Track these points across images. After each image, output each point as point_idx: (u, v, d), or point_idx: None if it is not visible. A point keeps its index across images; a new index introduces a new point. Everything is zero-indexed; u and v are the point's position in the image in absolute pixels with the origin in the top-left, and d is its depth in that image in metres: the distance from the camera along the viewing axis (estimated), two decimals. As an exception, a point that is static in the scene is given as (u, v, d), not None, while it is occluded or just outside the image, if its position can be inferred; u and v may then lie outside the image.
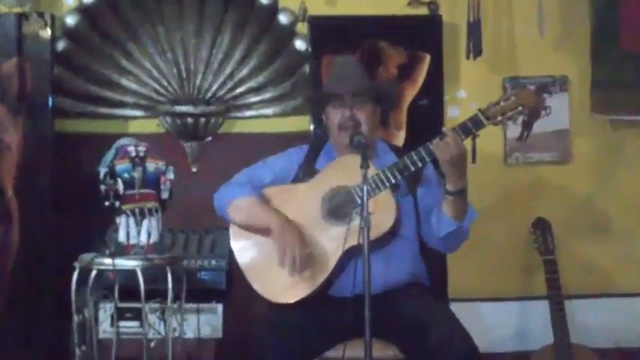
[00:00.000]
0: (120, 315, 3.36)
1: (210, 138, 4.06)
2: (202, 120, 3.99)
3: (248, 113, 4.09)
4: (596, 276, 4.03)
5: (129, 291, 3.20)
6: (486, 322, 3.94)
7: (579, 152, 4.06)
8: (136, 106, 4.07)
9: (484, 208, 3.86)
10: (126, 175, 3.03)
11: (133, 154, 3.05)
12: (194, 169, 4.06)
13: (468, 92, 4.00)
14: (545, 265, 3.80)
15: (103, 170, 3.04)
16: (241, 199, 2.80)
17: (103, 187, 2.98)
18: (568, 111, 4.03)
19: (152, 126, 4.04)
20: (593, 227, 4.06)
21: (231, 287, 3.59)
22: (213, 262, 3.62)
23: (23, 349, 3.61)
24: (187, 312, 3.48)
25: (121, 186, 3.02)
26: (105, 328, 3.44)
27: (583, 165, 4.06)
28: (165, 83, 4.05)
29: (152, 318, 3.27)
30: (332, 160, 2.83)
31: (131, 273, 2.98)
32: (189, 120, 3.98)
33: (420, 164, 2.60)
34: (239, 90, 4.07)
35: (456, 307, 3.70)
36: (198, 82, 4.04)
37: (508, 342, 3.96)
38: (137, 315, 3.32)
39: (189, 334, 3.49)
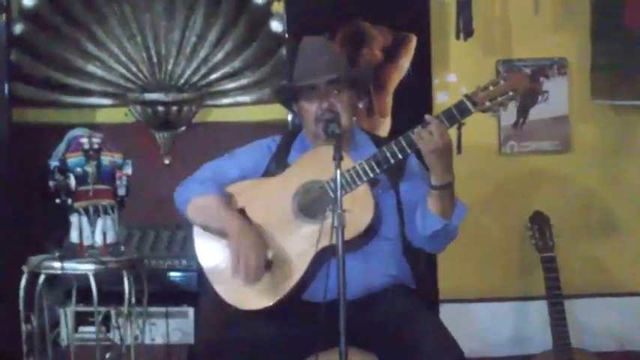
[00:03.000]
0: (82, 320, 3.16)
1: (183, 128, 3.88)
2: (174, 108, 3.80)
3: (224, 101, 3.90)
4: (599, 274, 3.90)
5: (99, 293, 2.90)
6: (481, 324, 3.82)
7: (580, 141, 3.90)
8: (102, 94, 3.87)
9: (477, 202, 3.76)
10: (78, 170, 2.81)
11: (87, 146, 2.83)
12: (166, 161, 3.88)
13: (458, 76, 3.84)
14: (543, 263, 3.61)
15: (53, 164, 2.81)
16: (200, 198, 2.60)
17: (51, 183, 2.74)
18: (567, 96, 3.88)
19: (121, 115, 3.86)
20: (595, 221, 3.93)
21: (205, 289, 3.31)
22: (184, 262, 3.42)
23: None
24: (155, 316, 3.30)
25: (72, 182, 2.78)
26: (66, 335, 3.22)
27: (584, 154, 3.90)
28: (135, 69, 3.84)
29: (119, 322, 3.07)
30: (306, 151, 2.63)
31: (100, 274, 2.79)
32: (161, 109, 3.79)
33: (400, 156, 2.41)
34: (214, 76, 3.87)
35: (447, 309, 3.67)
36: (170, 67, 3.84)
37: (504, 346, 3.85)
38: (102, 320, 3.11)
39: (158, 339, 3.31)
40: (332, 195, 2.39)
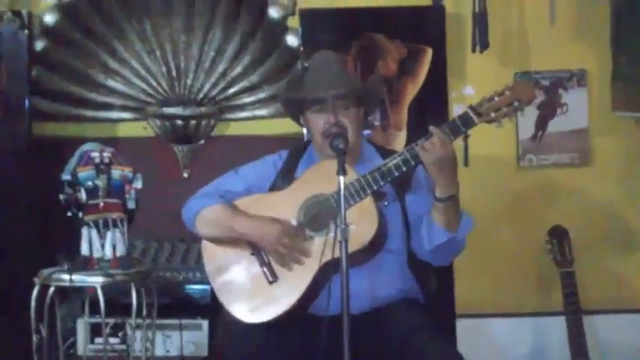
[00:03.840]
0: (98, 331, 3.16)
1: (202, 141, 3.89)
2: (193, 122, 3.83)
3: (242, 114, 3.91)
4: (620, 289, 3.80)
5: (114, 304, 2.99)
6: (498, 340, 3.75)
7: (600, 153, 3.82)
8: (123, 108, 3.90)
9: (495, 216, 3.74)
10: (89, 184, 2.84)
11: (98, 160, 2.87)
12: (185, 175, 3.90)
13: (475, 89, 3.77)
14: (562, 278, 3.55)
15: (64, 178, 2.85)
16: (206, 210, 2.63)
17: (62, 197, 2.77)
18: (587, 108, 3.79)
19: (140, 129, 3.89)
20: (615, 236, 3.83)
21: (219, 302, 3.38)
22: (199, 275, 3.43)
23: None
24: (170, 328, 3.33)
25: (83, 195, 2.81)
26: (84, 345, 3.27)
27: (604, 167, 3.82)
28: (154, 83, 3.88)
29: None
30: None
31: (113, 286, 2.83)
32: (179, 122, 3.82)
33: (404, 168, 2.40)
34: (232, 90, 3.89)
35: (464, 324, 3.62)
36: (189, 81, 3.87)
37: (523, 362, 3.77)
38: (118, 331, 3.20)
39: (173, 351, 3.32)
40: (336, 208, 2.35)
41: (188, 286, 3.43)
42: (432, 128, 2.34)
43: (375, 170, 2.41)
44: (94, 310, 3.04)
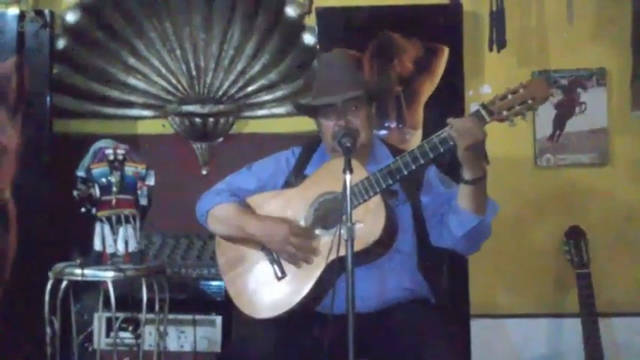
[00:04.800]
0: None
1: (221, 139, 3.92)
2: (211, 120, 3.86)
3: (260, 112, 3.93)
4: (638, 292, 3.71)
5: (128, 299, 3.02)
6: (514, 341, 3.70)
7: (618, 153, 3.75)
8: (143, 105, 3.94)
9: (512, 216, 3.69)
10: (103, 180, 2.87)
11: (112, 157, 2.89)
12: (204, 172, 3.93)
13: (493, 88, 3.72)
14: (578, 279, 3.50)
15: (79, 174, 2.88)
16: (217, 208, 2.67)
17: (75, 193, 2.81)
18: (606, 107, 3.73)
19: (160, 127, 3.93)
20: (634, 237, 3.74)
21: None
22: (213, 271, 3.45)
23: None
24: (185, 324, 3.36)
25: (96, 191, 2.85)
26: (99, 339, 3.30)
27: (623, 167, 3.75)
28: (174, 81, 3.91)
29: (149, 329, 3.12)
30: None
31: (128, 281, 2.86)
32: (198, 120, 3.85)
33: (413, 166, 2.39)
34: (251, 88, 3.91)
35: (479, 325, 3.60)
36: (208, 79, 3.89)
37: (537, 363, 3.73)
38: (133, 326, 3.21)
39: (187, 347, 3.35)
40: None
41: (203, 282, 3.45)
42: (451, 120, 2.33)
43: (385, 168, 2.41)
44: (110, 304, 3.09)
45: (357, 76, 2.66)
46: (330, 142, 2.56)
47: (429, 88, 3.59)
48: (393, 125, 3.59)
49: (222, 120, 3.86)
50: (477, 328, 3.54)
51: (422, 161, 2.37)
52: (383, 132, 3.58)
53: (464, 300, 3.50)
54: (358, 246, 2.26)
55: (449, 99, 3.58)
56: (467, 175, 2.35)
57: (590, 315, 3.42)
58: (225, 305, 3.39)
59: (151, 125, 3.94)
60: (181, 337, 3.38)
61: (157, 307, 2.93)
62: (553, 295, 3.74)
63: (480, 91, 3.75)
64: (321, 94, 2.59)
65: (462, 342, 3.43)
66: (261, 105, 3.91)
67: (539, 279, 3.75)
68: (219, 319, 3.39)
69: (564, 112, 3.69)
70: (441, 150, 2.35)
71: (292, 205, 2.57)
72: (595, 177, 3.75)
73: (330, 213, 2.49)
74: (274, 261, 2.55)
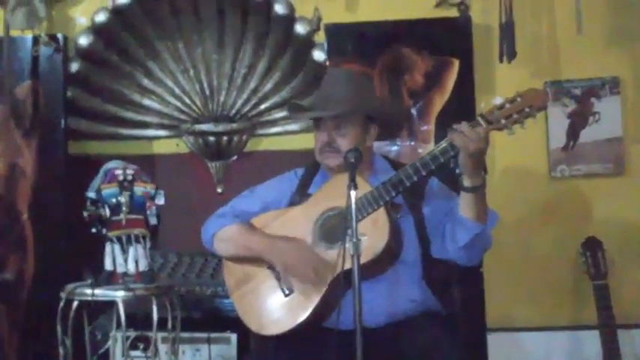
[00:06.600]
0: (132, 345, 3.24)
1: (235, 157, 3.94)
2: (225, 138, 3.88)
3: (273, 130, 3.94)
4: None
5: (142, 319, 3.01)
6: (531, 354, 3.67)
7: (634, 163, 3.70)
8: (158, 126, 3.98)
9: (527, 227, 3.66)
10: (113, 200, 2.91)
11: (121, 177, 2.92)
12: (219, 190, 3.94)
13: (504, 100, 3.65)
14: (595, 291, 3.46)
15: (89, 195, 2.92)
16: (222, 230, 2.69)
17: (85, 214, 2.85)
18: (620, 117, 3.68)
19: (174, 146, 3.97)
20: None
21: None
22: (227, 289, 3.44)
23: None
24: (200, 342, 3.37)
25: (106, 212, 2.88)
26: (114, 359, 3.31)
27: (638, 177, 3.71)
28: (188, 101, 3.95)
29: (164, 348, 3.12)
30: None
31: (141, 300, 2.89)
32: (211, 139, 3.87)
33: (415, 178, 2.40)
34: (264, 105, 3.93)
35: (496, 338, 3.57)
36: (222, 98, 3.92)
37: (556, 377, 3.67)
38: (148, 344, 3.21)
39: (202, 365, 3.36)
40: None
41: (217, 300, 3.46)
42: (456, 125, 2.34)
43: (387, 181, 2.42)
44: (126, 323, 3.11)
45: (354, 94, 2.62)
46: (318, 157, 2.60)
47: (440, 101, 3.59)
48: (405, 140, 3.58)
49: (235, 138, 3.88)
50: (494, 341, 3.51)
51: (423, 172, 2.38)
52: (395, 147, 3.57)
53: (480, 313, 3.47)
54: (364, 259, 2.26)
55: (460, 112, 3.50)
56: (467, 182, 2.36)
57: (609, 327, 3.37)
58: (240, 323, 3.44)
59: (166, 145, 3.97)
60: (197, 355, 3.40)
61: (169, 325, 2.96)
62: (570, 307, 3.69)
63: (492, 103, 3.63)
64: (313, 108, 2.63)
65: (478, 357, 3.42)
66: (274, 122, 3.93)
67: (556, 291, 3.70)
68: (234, 337, 3.39)
69: (578, 122, 3.65)
70: (442, 160, 2.35)
71: (298, 223, 2.57)
72: (610, 187, 3.70)
73: (335, 229, 2.49)
74: (280, 278, 2.55)
